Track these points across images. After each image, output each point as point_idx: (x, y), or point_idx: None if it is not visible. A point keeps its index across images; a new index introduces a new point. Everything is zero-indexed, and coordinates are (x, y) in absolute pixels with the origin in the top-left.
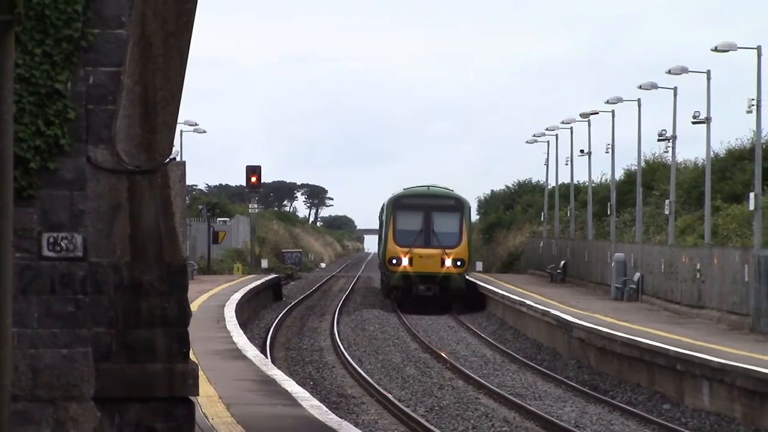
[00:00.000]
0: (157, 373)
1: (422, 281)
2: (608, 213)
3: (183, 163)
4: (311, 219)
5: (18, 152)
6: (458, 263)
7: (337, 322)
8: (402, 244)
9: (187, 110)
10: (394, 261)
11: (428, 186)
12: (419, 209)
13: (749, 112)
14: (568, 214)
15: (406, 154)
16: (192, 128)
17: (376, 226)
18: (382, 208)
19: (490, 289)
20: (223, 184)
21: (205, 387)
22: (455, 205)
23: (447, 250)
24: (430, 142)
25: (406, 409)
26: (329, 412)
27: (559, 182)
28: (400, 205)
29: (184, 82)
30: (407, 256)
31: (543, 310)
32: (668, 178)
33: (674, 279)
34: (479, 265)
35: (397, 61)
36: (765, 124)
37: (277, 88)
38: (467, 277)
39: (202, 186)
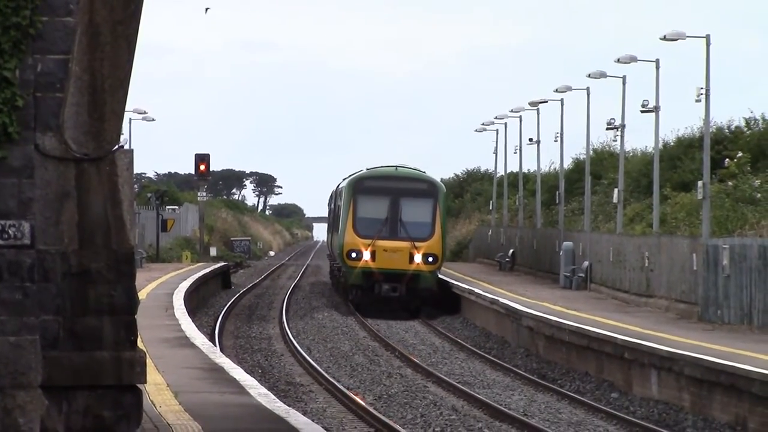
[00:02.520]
0: (105, 360)
1: (387, 280)
2: (557, 202)
3: (131, 151)
4: (260, 207)
5: None
6: (430, 259)
7: (286, 311)
8: (363, 235)
9: (136, 98)
10: (354, 255)
11: (396, 166)
12: (385, 193)
13: (698, 101)
14: (517, 203)
15: (356, 143)
16: (141, 116)
17: (326, 214)
18: (336, 192)
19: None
20: (172, 172)
21: (153, 375)
22: (428, 189)
23: (417, 244)
24: (380, 130)
25: (355, 398)
26: (277, 400)
27: (508, 171)
28: (362, 188)
29: (132, 69)
30: (369, 249)
31: (491, 298)
32: (617, 166)
33: (623, 268)
34: None
35: (347, 50)
36: (714, 113)
37: (227, 76)
38: (440, 275)
39: (151, 174)
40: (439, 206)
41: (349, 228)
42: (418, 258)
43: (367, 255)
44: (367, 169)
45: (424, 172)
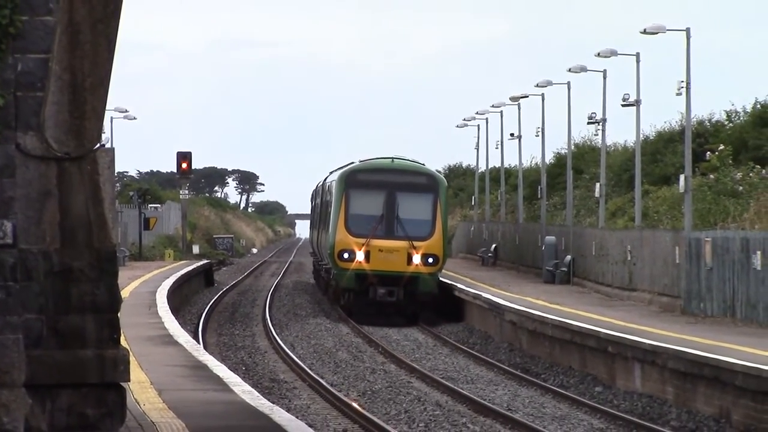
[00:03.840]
0: (88, 359)
1: (382, 283)
2: (539, 196)
3: (112, 150)
4: (242, 205)
5: None
6: (430, 260)
7: (269, 307)
8: (356, 234)
9: (117, 97)
10: (346, 255)
11: (392, 158)
12: (380, 188)
13: (679, 94)
14: (499, 198)
15: (338, 140)
16: (122, 115)
17: (308, 211)
18: (323, 187)
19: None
20: (155, 170)
21: (136, 373)
22: (427, 183)
23: (416, 243)
24: (363, 126)
25: (339, 394)
26: (261, 397)
27: (490, 166)
28: (354, 181)
29: (112, 68)
30: (363, 249)
31: (474, 293)
32: (598, 161)
33: (605, 261)
34: None
35: (330, 46)
36: (695, 106)
37: (208, 73)
38: (441, 278)
39: (133, 172)
40: (439, 202)
41: (340, 226)
42: (416, 259)
43: (360, 255)
44: (360, 161)
45: (423, 164)
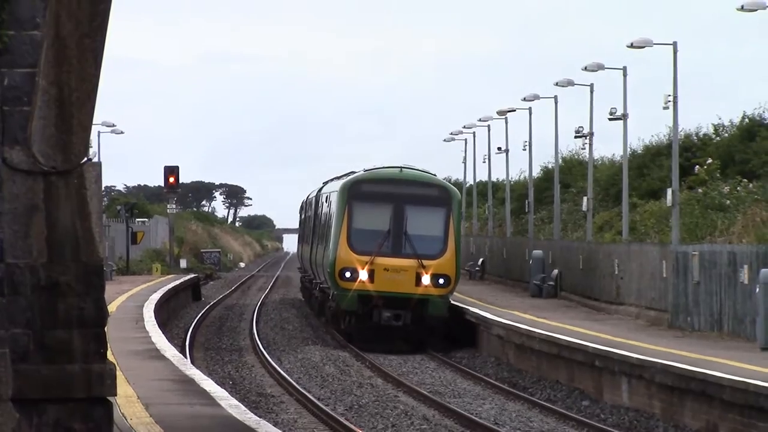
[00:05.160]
0: (75, 373)
1: (388, 305)
2: (526, 210)
3: (99, 164)
4: (230, 219)
5: None
6: (440, 281)
7: (257, 322)
8: (360, 251)
9: (105, 112)
10: (347, 274)
11: (400, 167)
12: (387, 200)
13: (666, 108)
14: (487, 212)
15: (327, 154)
16: (109, 129)
17: (296, 225)
18: (319, 198)
19: None
20: (142, 184)
21: (123, 387)
22: (439, 196)
23: (425, 262)
24: (350, 141)
25: (326, 408)
26: (248, 411)
27: (478, 180)
28: (358, 192)
29: (99, 82)
30: (367, 267)
31: (462, 307)
32: (586, 174)
33: (592, 276)
34: None
35: (318, 60)
36: (682, 120)
37: (196, 88)
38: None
39: (120, 187)
40: (452, 216)
41: (342, 242)
42: (426, 279)
43: (363, 275)
44: (365, 170)
45: (435, 175)
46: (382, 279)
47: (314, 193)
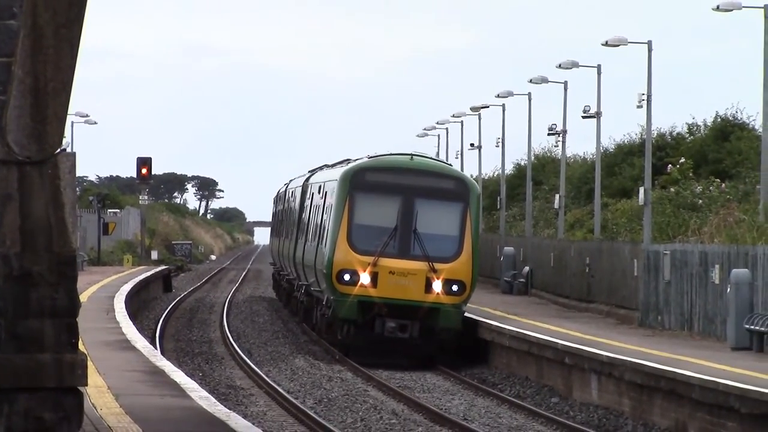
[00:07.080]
0: (46, 363)
1: (393, 314)
2: (498, 207)
3: (73, 154)
4: (202, 211)
5: None
6: (454, 288)
7: (227, 314)
8: (362, 251)
9: (78, 102)
10: (347, 277)
11: (411, 155)
12: (394, 192)
13: (640, 106)
14: None
15: (299, 148)
16: (83, 119)
17: (268, 218)
18: (302, 190)
19: None
20: (114, 175)
21: (94, 377)
22: (456, 189)
23: (437, 266)
24: (323, 135)
25: (295, 401)
26: (218, 403)
27: None
28: (362, 183)
29: (75, 73)
30: (369, 270)
31: None
32: (558, 172)
33: (563, 273)
34: None
35: (291, 54)
36: (655, 119)
37: (169, 80)
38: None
39: (93, 177)
40: (470, 213)
41: (341, 239)
42: (437, 286)
43: (365, 278)
44: (369, 157)
45: (451, 165)
46: (387, 284)
47: (297, 183)
